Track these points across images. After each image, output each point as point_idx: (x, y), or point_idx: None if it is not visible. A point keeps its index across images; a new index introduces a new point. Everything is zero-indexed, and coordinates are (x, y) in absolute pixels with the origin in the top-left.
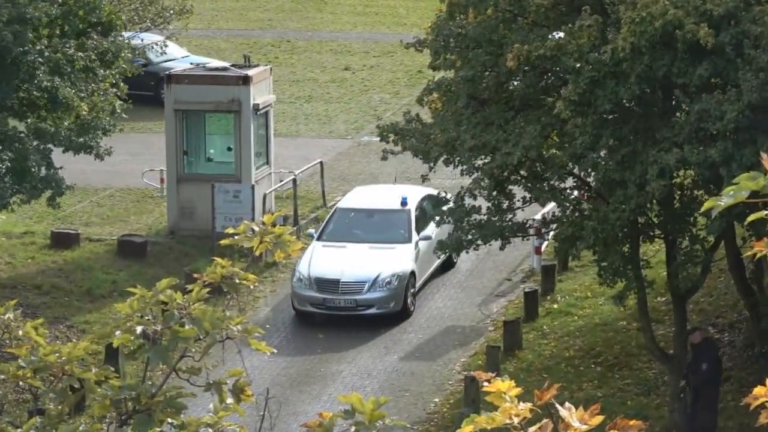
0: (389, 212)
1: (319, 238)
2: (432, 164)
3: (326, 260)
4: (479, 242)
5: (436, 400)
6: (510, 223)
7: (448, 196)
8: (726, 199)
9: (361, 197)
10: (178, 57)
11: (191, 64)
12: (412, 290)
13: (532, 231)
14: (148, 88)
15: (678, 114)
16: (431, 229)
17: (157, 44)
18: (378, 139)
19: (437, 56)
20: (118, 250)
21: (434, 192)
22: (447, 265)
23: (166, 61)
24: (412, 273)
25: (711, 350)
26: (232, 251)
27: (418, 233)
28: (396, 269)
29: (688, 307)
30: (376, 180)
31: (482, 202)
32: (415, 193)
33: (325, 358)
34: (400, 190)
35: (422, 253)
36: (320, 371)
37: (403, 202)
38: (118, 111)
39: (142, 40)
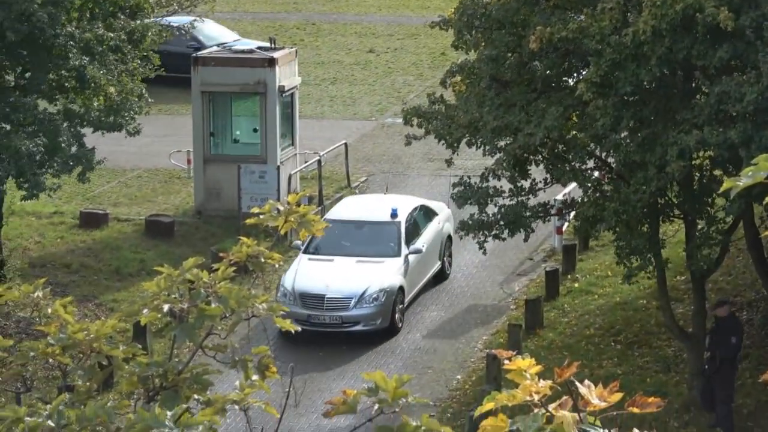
0: (378, 224)
1: (305, 251)
2: (456, 147)
3: (312, 274)
4: (504, 230)
5: (459, 377)
6: (531, 204)
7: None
8: (745, 179)
9: (351, 208)
10: (229, 41)
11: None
12: (400, 306)
13: (553, 211)
14: None
15: (698, 96)
16: (422, 242)
17: (194, 22)
18: (401, 120)
19: (461, 36)
20: (146, 229)
21: (427, 203)
22: (439, 278)
23: (218, 44)
24: (401, 288)
25: (737, 324)
26: (258, 231)
27: (408, 246)
28: (384, 284)
29: (707, 286)
30: (399, 161)
31: (505, 184)
32: (406, 205)
33: (349, 336)
34: (391, 201)
35: (412, 267)
36: (344, 349)
37: (393, 214)
38: (145, 95)
39: (193, 23)
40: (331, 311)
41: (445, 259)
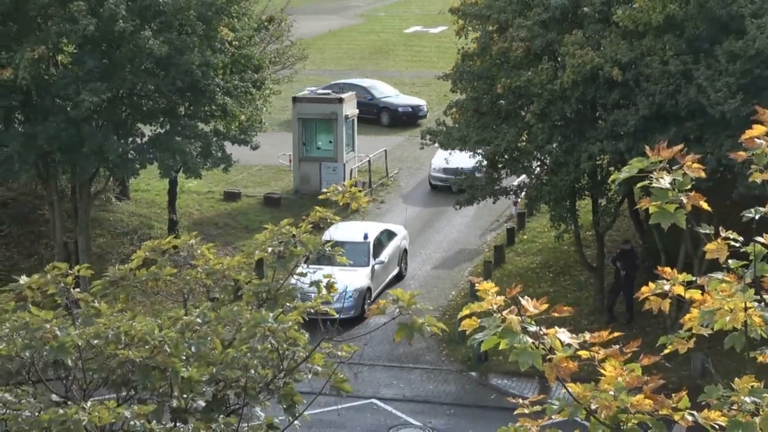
0: (354, 243)
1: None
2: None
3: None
4: (480, 198)
5: (453, 293)
6: (498, 187)
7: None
8: (623, 173)
9: (336, 232)
10: (391, 95)
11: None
12: (368, 301)
13: (511, 192)
14: (371, 114)
15: (600, 121)
16: (384, 255)
17: (375, 87)
18: (419, 136)
19: (456, 84)
20: (264, 202)
21: (391, 227)
22: (399, 277)
23: (383, 98)
24: (369, 288)
25: (635, 254)
26: (329, 203)
27: (375, 258)
28: (357, 285)
29: (605, 238)
30: (417, 160)
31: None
32: (374, 229)
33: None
34: (363, 227)
35: (377, 273)
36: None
37: (365, 236)
38: (264, 122)
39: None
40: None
41: (401, 265)
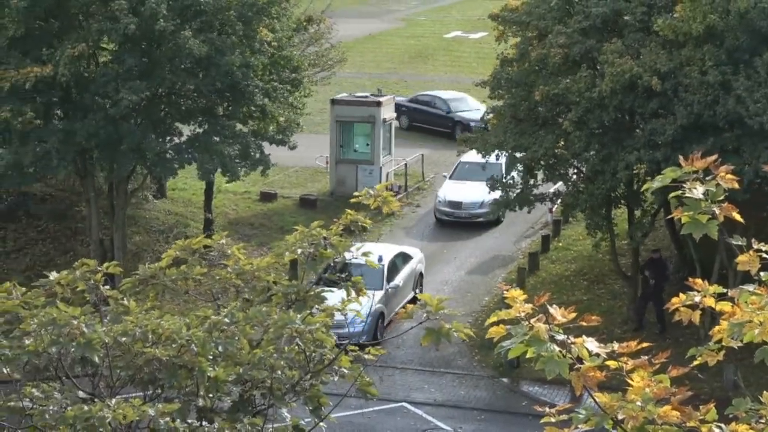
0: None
1: (317, 283)
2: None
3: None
4: (517, 206)
5: (486, 299)
6: (534, 194)
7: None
8: (656, 183)
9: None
10: (473, 108)
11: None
12: (381, 326)
13: (547, 199)
14: (446, 128)
15: (637, 130)
16: (398, 280)
17: (459, 99)
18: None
19: (493, 91)
20: (300, 203)
21: (406, 250)
22: (413, 302)
23: (462, 111)
24: (382, 313)
25: (666, 263)
26: (361, 206)
27: (389, 282)
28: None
29: (640, 247)
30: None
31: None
32: (389, 252)
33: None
34: (378, 249)
35: (390, 296)
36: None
37: (379, 259)
38: (301, 123)
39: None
40: (333, 329)
41: (417, 290)
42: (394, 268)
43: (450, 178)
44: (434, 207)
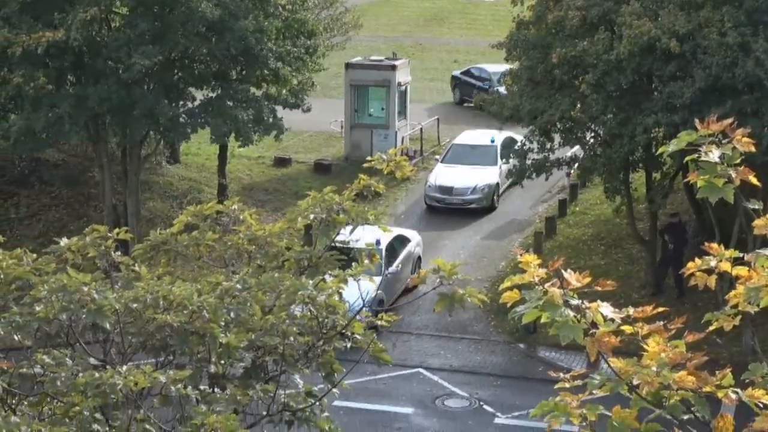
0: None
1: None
2: (503, 121)
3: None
4: (534, 174)
5: (502, 264)
6: (551, 160)
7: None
8: (672, 146)
9: (345, 237)
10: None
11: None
12: (380, 312)
13: (564, 163)
14: None
15: (655, 93)
16: (397, 263)
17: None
18: (472, 105)
19: (510, 53)
20: (314, 168)
21: (405, 233)
22: (413, 288)
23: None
24: (381, 300)
25: (685, 227)
26: (374, 171)
27: (387, 268)
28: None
29: (658, 211)
30: (469, 125)
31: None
32: (387, 237)
33: (436, 236)
34: (374, 232)
35: (389, 283)
36: (432, 245)
37: (377, 242)
38: (315, 83)
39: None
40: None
41: (415, 274)
42: (392, 251)
43: (442, 161)
44: (424, 192)
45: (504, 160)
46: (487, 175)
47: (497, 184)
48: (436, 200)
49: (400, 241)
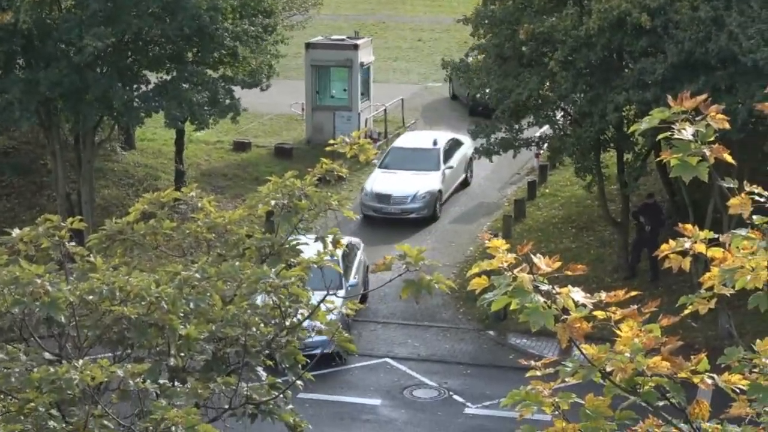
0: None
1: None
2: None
3: None
4: (501, 151)
5: (470, 248)
6: (520, 139)
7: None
8: (644, 124)
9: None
10: None
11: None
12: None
13: (533, 144)
14: None
15: (626, 70)
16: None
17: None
18: (438, 84)
19: (476, 29)
20: (275, 152)
21: (352, 240)
22: (364, 299)
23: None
24: (440, 191)
25: (660, 208)
26: (337, 155)
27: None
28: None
29: (630, 191)
30: (436, 110)
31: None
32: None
33: (400, 222)
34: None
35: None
36: (395, 230)
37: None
38: (274, 66)
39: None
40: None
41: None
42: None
43: (379, 166)
44: (360, 201)
45: (446, 164)
46: (429, 181)
47: (440, 191)
48: (373, 209)
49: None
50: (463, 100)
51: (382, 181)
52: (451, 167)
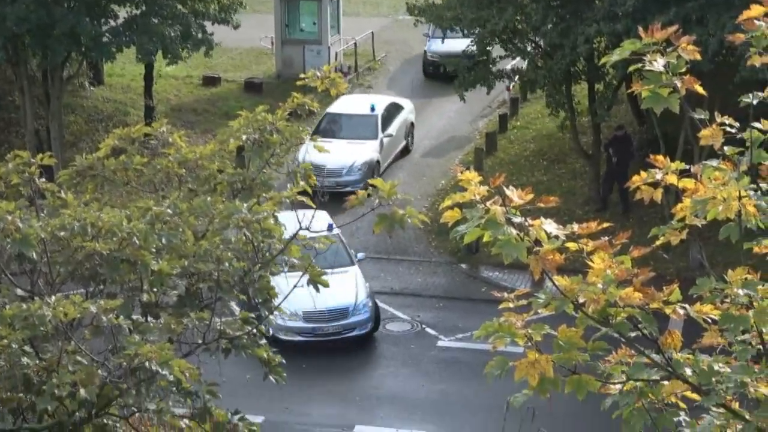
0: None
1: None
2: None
3: None
4: (474, 84)
5: (443, 182)
6: (493, 72)
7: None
8: (615, 56)
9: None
10: None
11: None
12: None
13: (504, 76)
14: None
15: (597, 1)
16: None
17: None
18: (409, 16)
19: None
20: (244, 87)
21: (397, 100)
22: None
23: None
24: (378, 162)
25: (630, 139)
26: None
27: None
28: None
29: (602, 124)
30: (406, 43)
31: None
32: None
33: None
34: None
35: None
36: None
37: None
38: (244, 3)
39: None
40: None
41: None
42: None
43: (313, 134)
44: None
45: (385, 132)
46: (366, 151)
47: (377, 162)
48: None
49: (395, 108)
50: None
51: (315, 151)
52: (390, 135)
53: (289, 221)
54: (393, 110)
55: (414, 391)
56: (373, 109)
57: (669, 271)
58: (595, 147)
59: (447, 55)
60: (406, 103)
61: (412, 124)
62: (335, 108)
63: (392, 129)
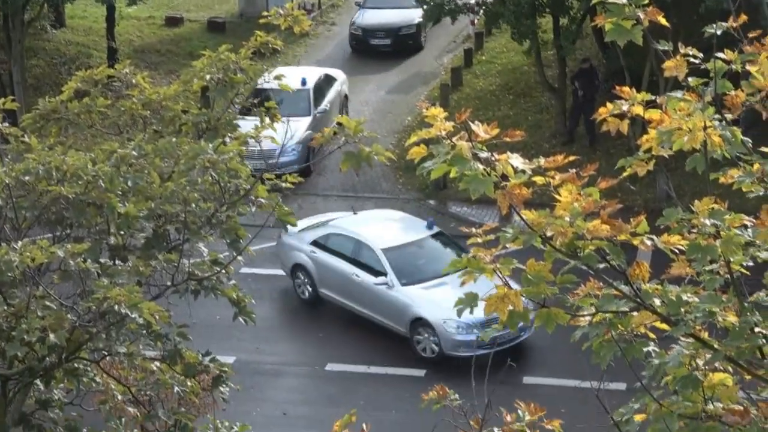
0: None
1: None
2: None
3: None
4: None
5: (408, 118)
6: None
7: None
8: None
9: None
10: None
11: None
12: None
13: (468, 10)
14: None
15: None
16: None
17: None
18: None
19: None
20: (207, 27)
21: (329, 72)
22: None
23: None
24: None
25: (596, 72)
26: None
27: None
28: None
29: (567, 57)
30: None
31: None
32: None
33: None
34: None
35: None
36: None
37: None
38: None
39: None
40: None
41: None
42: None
43: (240, 112)
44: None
45: (318, 107)
46: (300, 129)
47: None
48: None
49: (327, 80)
50: None
51: (245, 131)
52: (324, 110)
53: None
54: (325, 82)
55: (383, 329)
56: (304, 83)
57: (636, 203)
58: (560, 80)
59: (377, 29)
60: (339, 74)
61: (346, 96)
62: (263, 83)
63: (326, 103)
